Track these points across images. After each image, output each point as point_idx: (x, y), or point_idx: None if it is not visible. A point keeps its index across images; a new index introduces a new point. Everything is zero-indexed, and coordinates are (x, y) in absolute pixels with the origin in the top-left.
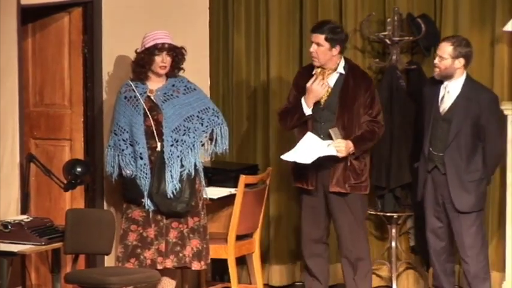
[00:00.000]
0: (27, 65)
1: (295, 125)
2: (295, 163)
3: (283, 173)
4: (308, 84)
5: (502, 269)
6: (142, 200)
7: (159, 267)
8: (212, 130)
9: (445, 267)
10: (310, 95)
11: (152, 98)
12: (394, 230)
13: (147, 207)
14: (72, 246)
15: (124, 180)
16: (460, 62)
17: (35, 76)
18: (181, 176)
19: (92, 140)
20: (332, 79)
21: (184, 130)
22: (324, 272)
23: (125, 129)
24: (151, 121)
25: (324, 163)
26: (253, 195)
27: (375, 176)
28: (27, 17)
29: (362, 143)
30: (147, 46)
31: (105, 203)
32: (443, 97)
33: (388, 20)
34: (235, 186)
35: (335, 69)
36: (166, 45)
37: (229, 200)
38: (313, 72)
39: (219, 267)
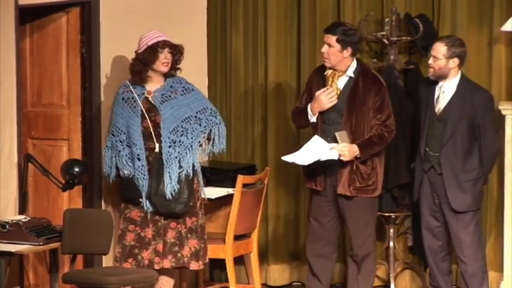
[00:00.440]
0: (25, 65)
1: (304, 126)
2: (305, 165)
3: (281, 173)
4: (317, 93)
5: (500, 268)
6: (141, 199)
7: (157, 267)
8: (210, 130)
9: (441, 266)
10: (315, 103)
11: (150, 99)
12: (392, 230)
13: (145, 208)
14: (70, 246)
15: (122, 181)
16: (454, 62)
17: (33, 76)
18: (179, 177)
19: (90, 140)
20: (342, 81)
21: (182, 131)
22: (327, 273)
23: (122, 131)
24: (149, 122)
25: (333, 165)
26: (251, 195)
27: None
28: (25, 17)
29: (368, 147)
30: (149, 44)
31: (103, 203)
32: (438, 97)
33: (386, 20)
34: (233, 186)
35: (345, 72)
36: (167, 42)
37: (227, 200)
38: (325, 73)
39: (217, 267)
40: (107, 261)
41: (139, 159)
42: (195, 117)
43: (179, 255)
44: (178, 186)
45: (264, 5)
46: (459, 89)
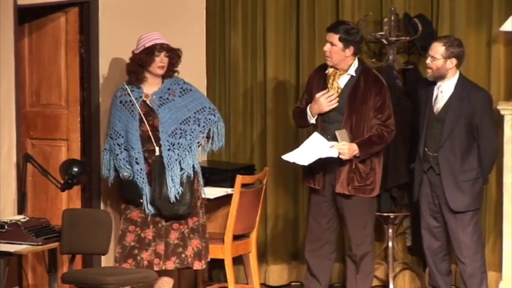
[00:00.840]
0: (23, 65)
1: (305, 126)
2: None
3: (280, 173)
4: (317, 95)
5: (499, 268)
6: (141, 200)
7: (156, 268)
8: (209, 129)
9: (440, 266)
10: (314, 105)
11: (148, 102)
12: (390, 230)
13: (147, 211)
14: (68, 246)
15: (122, 182)
16: (452, 62)
17: (32, 76)
18: (181, 179)
19: (89, 140)
20: (343, 80)
21: (181, 133)
22: (325, 273)
23: (120, 134)
24: (147, 126)
25: (332, 164)
26: (250, 195)
27: None
28: (24, 16)
29: (368, 146)
30: (146, 46)
31: (101, 203)
32: (436, 97)
33: (385, 20)
34: (232, 186)
35: (346, 71)
36: (165, 46)
37: (226, 200)
38: (326, 72)
39: (216, 267)
40: (106, 261)
41: (137, 163)
42: (194, 117)
43: (183, 255)
44: (181, 188)
45: (262, 5)
46: (457, 88)
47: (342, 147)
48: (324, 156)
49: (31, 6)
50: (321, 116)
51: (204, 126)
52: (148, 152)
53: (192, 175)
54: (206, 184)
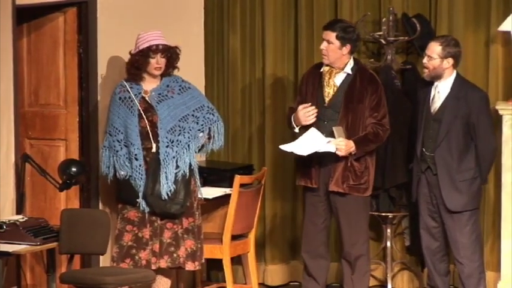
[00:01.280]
0: (22, 65)
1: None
2: (298, 162)
3: (279, 172)
4: (300, 107)
5: (498, 268)
6: (137, 200)
7: (153, 267)
8: (209, 129)
9: (439, 266)
10: (296, 115)
11: (147, 98)
12: (389, 230)
13: (141, 208)
14: (67, 246)
15: (118, 181)
16: (449, 62)
17: (30, 76)
18: (176, 176)
19: (87, 140)
20: (339, 78)
21: (180, 130)
22: (322, 272)
23: (119, 130)
24: (146, 122)
25: (326, 162)
26: (249, 195)
27: None
28: (22, 17)
29: (364, 144)
30: (141, 48)
31: (100, 203)
32: (433, 97)
33: (383, 20)
34: (230, 186)
35: (343, 69)
36: (160, 47)
37: (224, 200)
38: (321, 70)
39: (214, 267)
40: (104, 261)
41: (136, 159)
42: (192, 115)
43: (175, 255)
44: (174, 186)
45: (261, 4)
46: (454, 88)
47: (340, 143)
48: (321, 150)
49: (29, 6)
50: (317, 113)
51: (202, 125)
52: (146, 150)
53: (187, 174)
54: (204, 184)
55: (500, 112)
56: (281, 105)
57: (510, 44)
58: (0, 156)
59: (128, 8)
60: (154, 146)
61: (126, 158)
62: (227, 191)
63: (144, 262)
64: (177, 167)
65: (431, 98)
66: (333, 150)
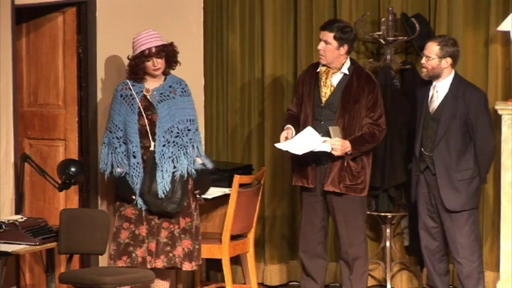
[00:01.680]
0: (21, 65)
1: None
2: (294, 162)
3: (278, 172)
4: (286, 127)
5: (497, 268)
6: (134, 198)
7: (149, 266)
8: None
9: (438, 266)
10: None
11: (148, 97)
12: (388, 230)
13: (139, 206)
14: (66, 246)
15: (115, 179)
16: (447, 61)
17: (29, 76)
18: (173, 176)
19: (86, 140)
20: (335, 79)
21: (177, 132)
22: (321, 272)
23: (119, 128)
24: (146, 120)
25: (322, 162)
26: (248, 195)
27: None
28: (22, 16)
29: (360, 144)
30: (135, 54)
31: (99, 203)
32: (432, 97)
33: (383, 19)
34: (230, 186)
35: (339, 69)
36: (153, 50)
37: (223, 200)
38: (318, 70)
39: (213, 267)
40: (104, 261)
41: (134, 157)
42: (190, 122)
43: (171, 255)
44: (170, 185)
45: (260, 4)
46: (452, 88)
47: (335, 143)
48: (316, 149)
49: (29, 6)
50: (313, 113)
51: (191, 139)
52: (144, 148)
53: (186, 175)
54: None
55: (500, 112)
56: (280, 105)
57: (509, 44)
58: None
59: (127, 8)
60: (152, 144)
61: (125, 155)
62: (226, 191)
63: (140, 259)
64: (174, 167)
65: (429, 97)
66: (328, 150)
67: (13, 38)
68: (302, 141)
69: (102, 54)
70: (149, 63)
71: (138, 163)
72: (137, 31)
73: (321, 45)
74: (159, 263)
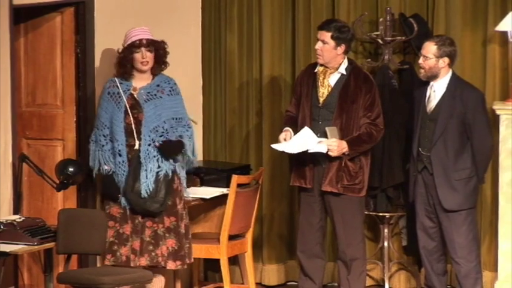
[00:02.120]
0: (19, 65)
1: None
2: (292, 162)
3: (276, 172)
4: (285, 129)
5: (495, 268)
6: (119, 195)
7: (132, 264)
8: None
9: (436, 266)
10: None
11: (135, 96)
12: (386, 230)
13: (122, 204)
14: (64, 246)
15: (101, 177)
16: (445, 61)
17: (27, 76)
18: (157, 175)
19: (84, 140)
20: (333, 78)
21: (163, 132)
22: (319, 272)
23: (105, 125)
24: (132, 119)
25: (320, 162)
26: (246, 195)
27: None
28: (20, 16)
29: (357, 144)
30: (125, 45)
31: (97, 203)
32: (429, 97)
33: (381, 20)
34: (228, 186)
35: (337, 69)
36: (144, 41)
37: (221, 200)
38: (315, 71)
39: (211, 267)
40: (102, 261)
41: (120, 155)
42: (175, 121)
43: (153, 254)
44: (153, 185)
45: (258, 5)
46: (449, 87)
47: (332, 144)
48: (312, 150)
49: (26, 6)
50: (311, 113)
51: (179, 136)
52: (129, 146)
53: (170, 174)
54: (202, 184)
55: (498, 112)
56: (278, 105)
57: (507, 44)
58: None
59: (125, 8)
60: (137, 143)
61: (111, 153)
62: (224, 191)
63: (124, 258)
64: (159, 166)
65: (427, 97)
66: (324, 150)
67: (11, 38)
68: (298, 141)
69: (100, 55)
70: (138, 55)
71: (123, 161)
72: None
73: (318, 45)
74: (143, 261)
